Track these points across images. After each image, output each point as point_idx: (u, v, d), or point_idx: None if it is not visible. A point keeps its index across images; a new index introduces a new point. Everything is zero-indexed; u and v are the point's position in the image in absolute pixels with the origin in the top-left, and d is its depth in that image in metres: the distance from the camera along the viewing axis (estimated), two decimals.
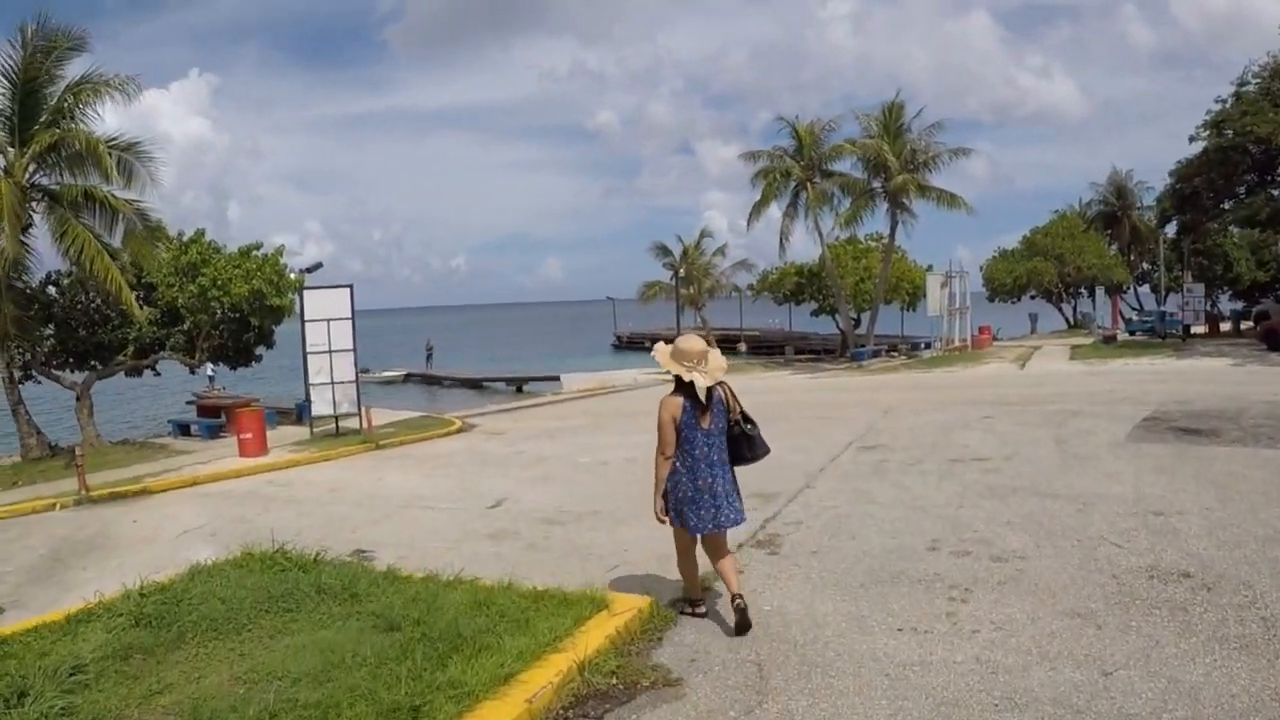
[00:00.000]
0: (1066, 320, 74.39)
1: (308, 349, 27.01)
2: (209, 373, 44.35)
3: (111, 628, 8.69)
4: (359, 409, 27.21)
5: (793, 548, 11.09)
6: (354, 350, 27.49)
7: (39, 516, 17.98)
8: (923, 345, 56.07)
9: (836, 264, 52.38)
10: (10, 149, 24.93)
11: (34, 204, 25.58)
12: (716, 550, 8.63)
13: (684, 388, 8.24)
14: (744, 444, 8.72)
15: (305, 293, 27.78)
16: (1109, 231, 72.26)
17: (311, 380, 27.07)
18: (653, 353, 8.89)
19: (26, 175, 25.01)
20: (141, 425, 43.30)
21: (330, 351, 27.08)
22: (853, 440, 19.41)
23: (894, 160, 46.78)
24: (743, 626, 8.20)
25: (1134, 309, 71.11)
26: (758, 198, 51.47)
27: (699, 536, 8.55)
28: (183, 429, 31.23)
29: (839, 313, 55.35)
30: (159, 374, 34.47)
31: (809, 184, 50.25)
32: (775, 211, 50.79)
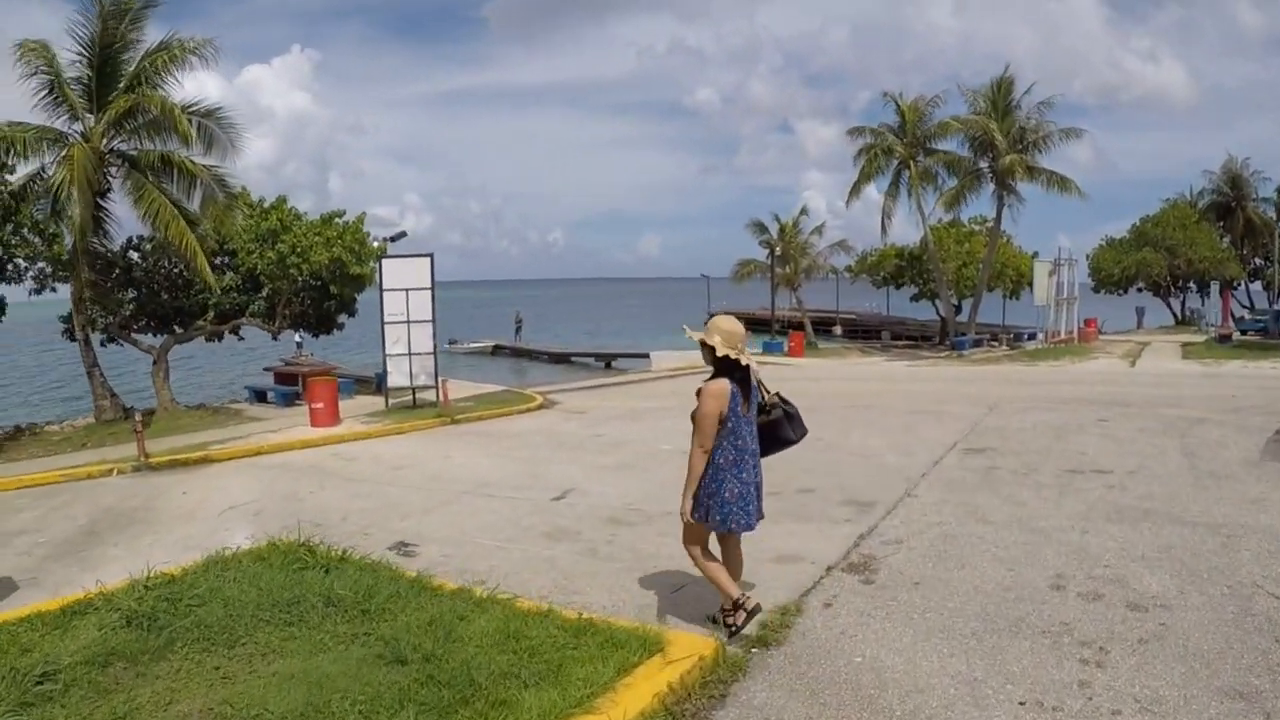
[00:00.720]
0: (1175, 315, 71.62)
1: (385, 318, 26.33)
2: (296, 339, 43.83)
3: (103, 625, 8.02)
4: (436, 382, 26.31)
5: (892, 576, 9.47)
6: (433, 321, 26.55)
7: (94, 482, 17.68)
8: (1026, 336, 53.72)
9: (938, 247, 50.57)
10: (89, 115, 24.76)
11: (112, 169, 25.53)
12: (733, 550, 8.28)
13: (729, 373, 7.63)
14: (784, 426, 8.30)
15: (384, 261, 27.01)
16: (1221, 223, 69.72)
17: (388, 351, 26.41)
18: (693, 335, 8.09)
19: (105, 141, 24.92)
20: (224, 390, 43.02)
21: (408, 322, 26.25)
22: (957, 440, 17.81)
23: (1001, 139, 44.87)
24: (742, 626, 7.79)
25: (1244, 307, 68.85)
26: (858, 176, 49.89)
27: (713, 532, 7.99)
28: (259, 395, 31.07)
29: (939, 298, 53.50)
30: (242, 339, 34.24)
31: (912, 162, 48.59)
32: (874, 193, 49.24)
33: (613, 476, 15.64)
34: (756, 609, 7.77)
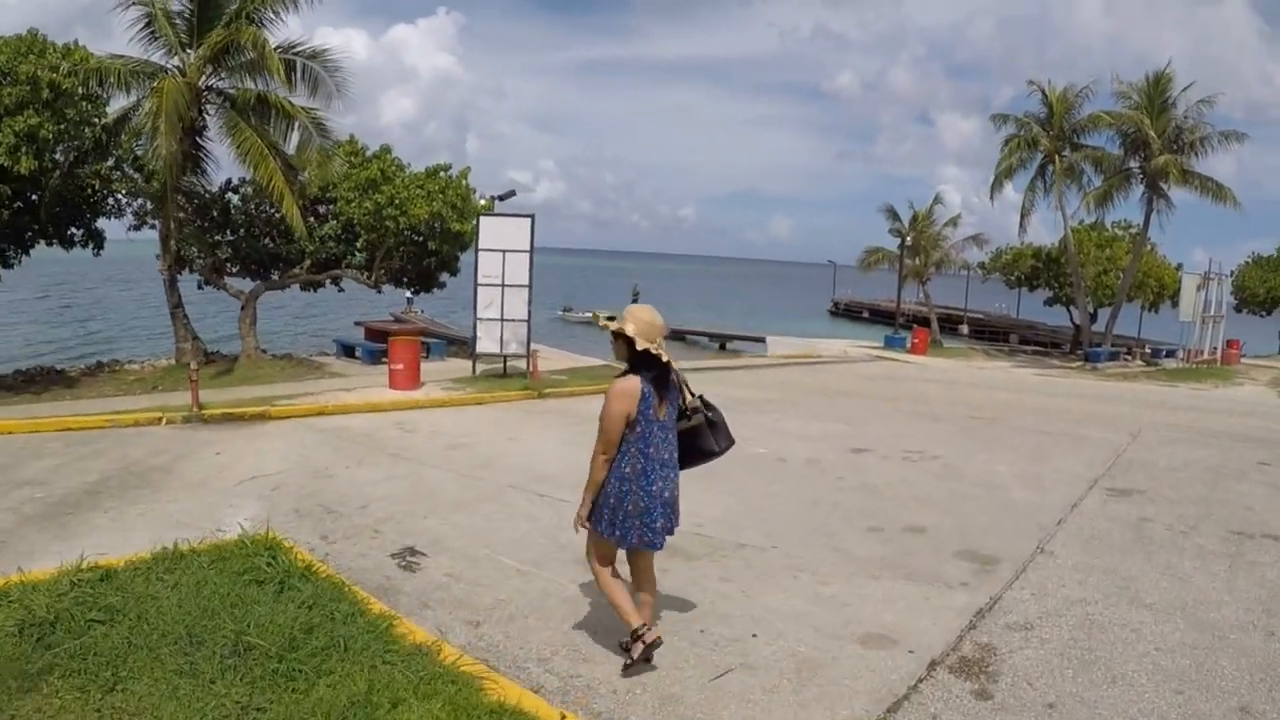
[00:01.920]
0: None
1: (479, 280, 24.78)
2: (407, 294, 42.82)
3: None
4: (527, 351, 24.86)
5: (1016, 685, 6.94)
6: (529, 286, 24.86)
7: (136, 431, 16.78)
8: (1164, 353, 50.53)
9: (1078, 250, 47.63)
10: (188, 50, 24.03)
11: (210, 107, 24.90)
12: (643, 571, 7.35)
13: (642, 370, 6.81)
14: (706, 435, 7.49)
15: (482, 219, 25.37)
16: None
17: (480, 314, 24.86)
18: (605, 322, 7.16)
19: (203, 78, 24.33)
20: (319, 339, 41.82)
21: (503, 285, 24.70)
22: (1098, 476, 15.29)
23: (1155, 137, 41.65)
24: (647, 658, 6.93)
25: None
26: (999, 168, 47.05)
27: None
28: (347, 350, 29.71)
29: (1075, 304, 50.38)
30: (342, 290, 32.88)
31: (1057, 156, 45.47)
32: (1011, 191, 46.40)
33: (689, 484, 13.26)
34: (656, 643, 6.87)
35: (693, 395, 7.40)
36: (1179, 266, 52.50)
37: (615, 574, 7.13)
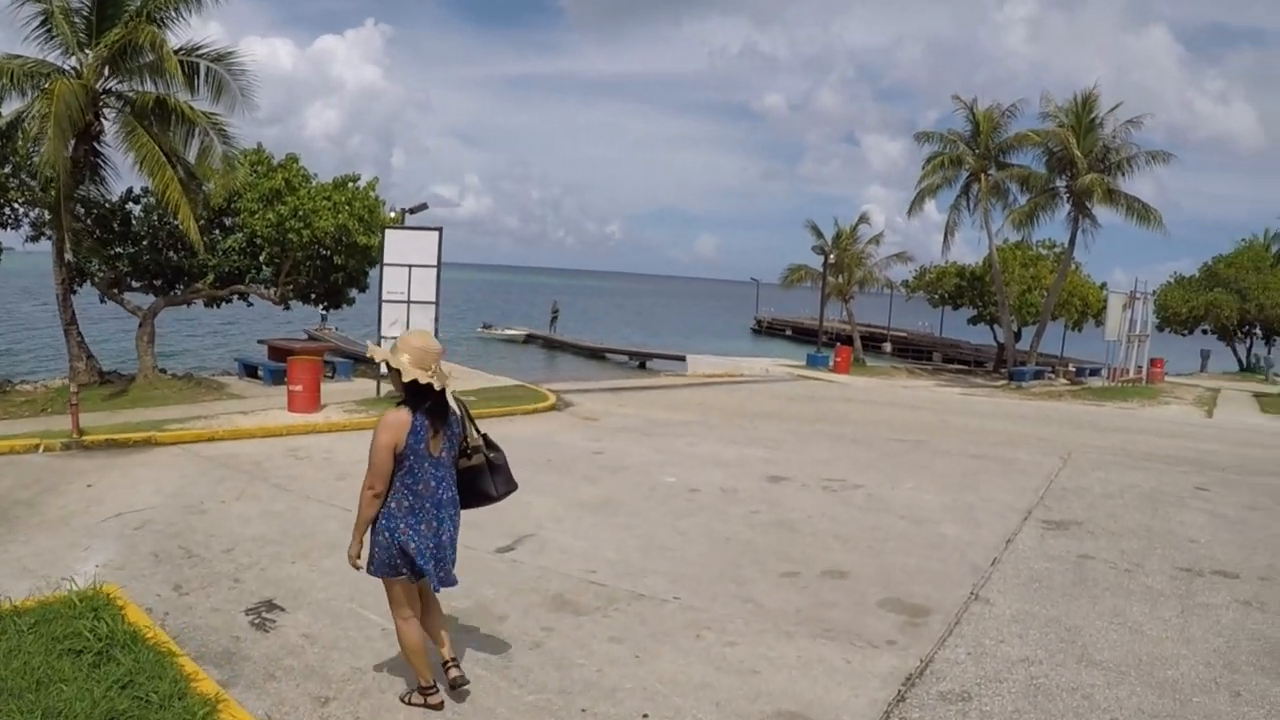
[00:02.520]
0: (1239, 362, 68.27)
1: (383, 296, 23.61)
2: (321, 311, 41.49)
3: None
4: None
5: None
6: (436, 304, 23.72)
7: (11, 459, 15.44)
8: (1088, 371, 50.54)
9: (1003, 268, 47.10)
10: (86, 50, 22.72)
11: (109, 111, 23.56)
12: (430, 609, 6.89)
13: (416, 401, 6.36)
14: (485, 477, 6.92)
15: (387, 232, 24.32)
16: None
17: (384, 332, 23.41)
18: (377, 354, 6.89)
19: (100, 79, 22.98)
20: (226, 359, 40.29)
21: (409, 302, 23.48)
22: (1032, 506, 14.46)
23: (1082, 156, 40.85)
24: (458, 685, 6.71)
25: None
26: (922, 186, 46.31)
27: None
28: (250, 370, 28.17)
29: (1000, 323, 49.79)
30: (251, 304, 31.59)
31: (983, 175, 44.87)
32: (932, 207, 45.71)
33: (590, 519, 12.47)
34: (438, 706, 6.56)
35: (478, 433, 6.93)
36: (1103, 285, 52.43)
37: (416, 625, 6.61)
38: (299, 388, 21.15)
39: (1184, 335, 64.34)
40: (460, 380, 27.36)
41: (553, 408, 24.31)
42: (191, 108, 23.17)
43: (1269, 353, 66.73)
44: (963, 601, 9.43)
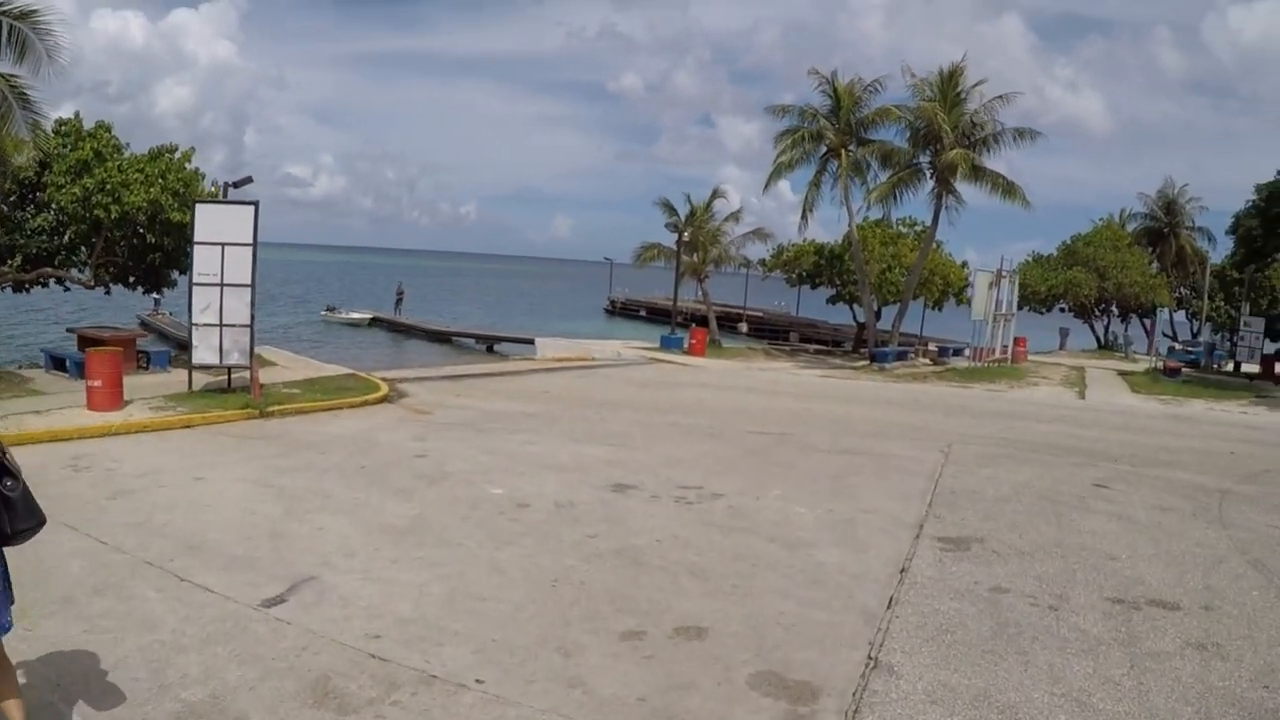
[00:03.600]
0: (1097, 339, 68.20)
1: (194, 279, 21.07)
2: (155, 296, 38.60)
3: None
4: (251, 362, 21.02)
5: None
6: (252, 286, 21.13)
7: None
8: (951, 351, 49.00)
9: (863, 246, 45.53)
10: None
11: None
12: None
13: None
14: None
15: (198, 206, 21.49)
16: (1152, 249, 66.64)
17: (195, 319, 21.06)
18: None
19: None
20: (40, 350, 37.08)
21: (222, 285, 20.96)
22: (921, 518, 12.48)
23: (949, 131, 39.58)
24: None
25: (1166, 335, 65.50)
26: (777, 161, 44.23)
27: None
28: (57, 362, 24.86)
29: (859, 302, 48.32)
30: (67, 289, 28.47)
31: (843, 151, 42.96)
32: (787, 188, 43.89)
33: (390, 552, 10.12)
34: None
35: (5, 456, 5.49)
36: (964, 264, 52.18)
37: None
38: (98, 383, 18.78)
39: (1042, 314, 64.13)
40: (288, 370, 25.20)
41: (384, 399, 22.25)
42: None
43: (1126, 330, 66.86)
44: (860, 672, 7.22)
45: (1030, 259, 65.77)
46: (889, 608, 8.85)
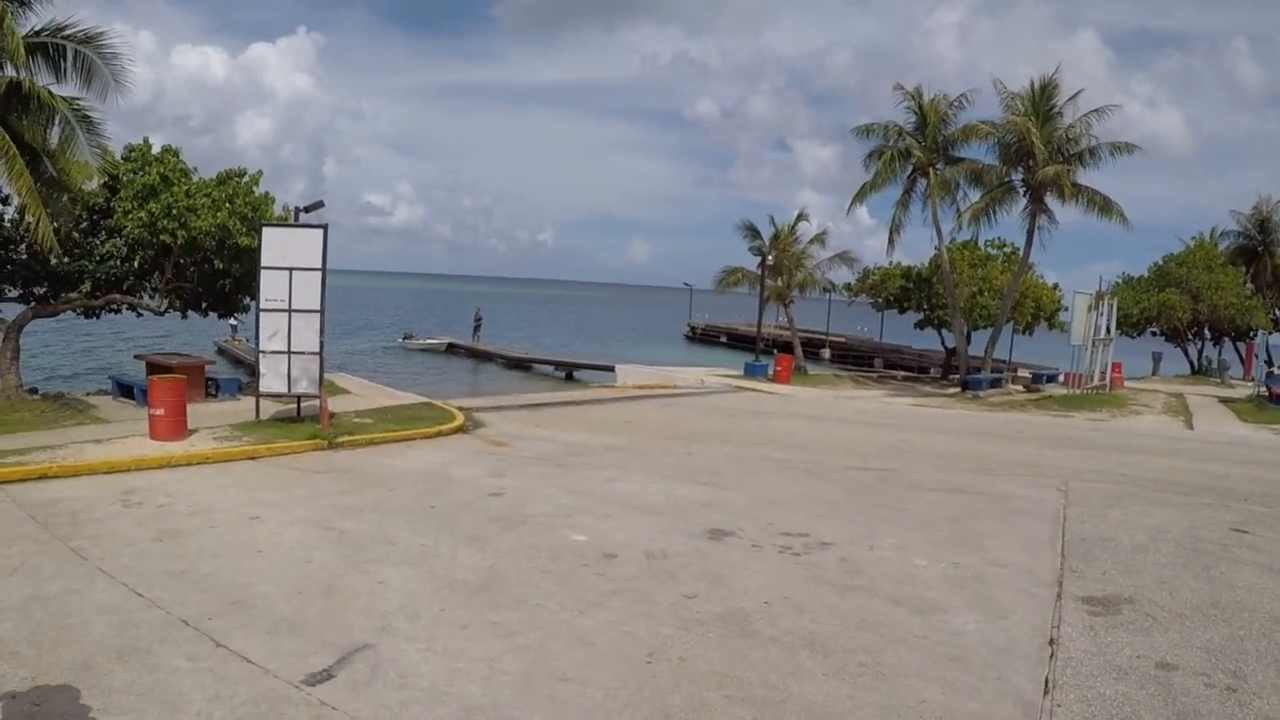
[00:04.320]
0: (1191, 364, 66.10)
1: (261, 304, 20.34)
2: (232, 321, 38.11)
3: None
4: (320, 391, 20.20)
5: None
6: (321, 312, 20.29)
7: None
8: (1044, 378, 47.78)
9: (951, 269, 44.06)
10: None
11: None
12: None
13: None
14: None
15: (264, 230, 20.71)
16: (1247, 269, 64.48)
17: (263, 346, 20.30)
18: None
19: None
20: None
21: (290, 310, 20.18)
22: (1058, 573, 11.06)
23: (1042, 147, 38.00)
24: None
25: (1263, 360, 63.41)
26: (868, 182, 43.04)
27: None
28: (124, 389, 24.20)
29: (949, 326, 46.91)
30: (140, 315, 27.28)
31: (930, 170, 41.81)
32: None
33: (459, 614, 8.92)
34: None
35: None
36: (1055, 286, 50.75)
37: None
38: (160, 411, 18.06)
39: (1133, 337, 62.20)
40: (360, 398, 24.60)
41: (460, 429, 21.26)
42: (50, 93, 20.35)
43: (1219, 354, 64.84)
44: None
45: (1120, 280, 63.78)
46: (1047, 693, 7.51)
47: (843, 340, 72.33)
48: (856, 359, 66.41)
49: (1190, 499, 16.24)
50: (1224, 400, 41.05)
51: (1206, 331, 63.85)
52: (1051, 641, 8.66)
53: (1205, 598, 10.24)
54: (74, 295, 24.58)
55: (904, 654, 8.22)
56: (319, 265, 20.11)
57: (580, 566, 10.47)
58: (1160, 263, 63.15)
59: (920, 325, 51.30)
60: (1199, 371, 63.95)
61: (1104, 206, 38.82)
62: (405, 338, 65.01)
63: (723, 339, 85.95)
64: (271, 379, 20.33)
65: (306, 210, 24.10)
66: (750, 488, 15.83)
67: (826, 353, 65.29)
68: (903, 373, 56.89)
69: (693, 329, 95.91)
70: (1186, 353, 65.84)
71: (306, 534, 11.75)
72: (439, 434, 20.59)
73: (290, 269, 19.99)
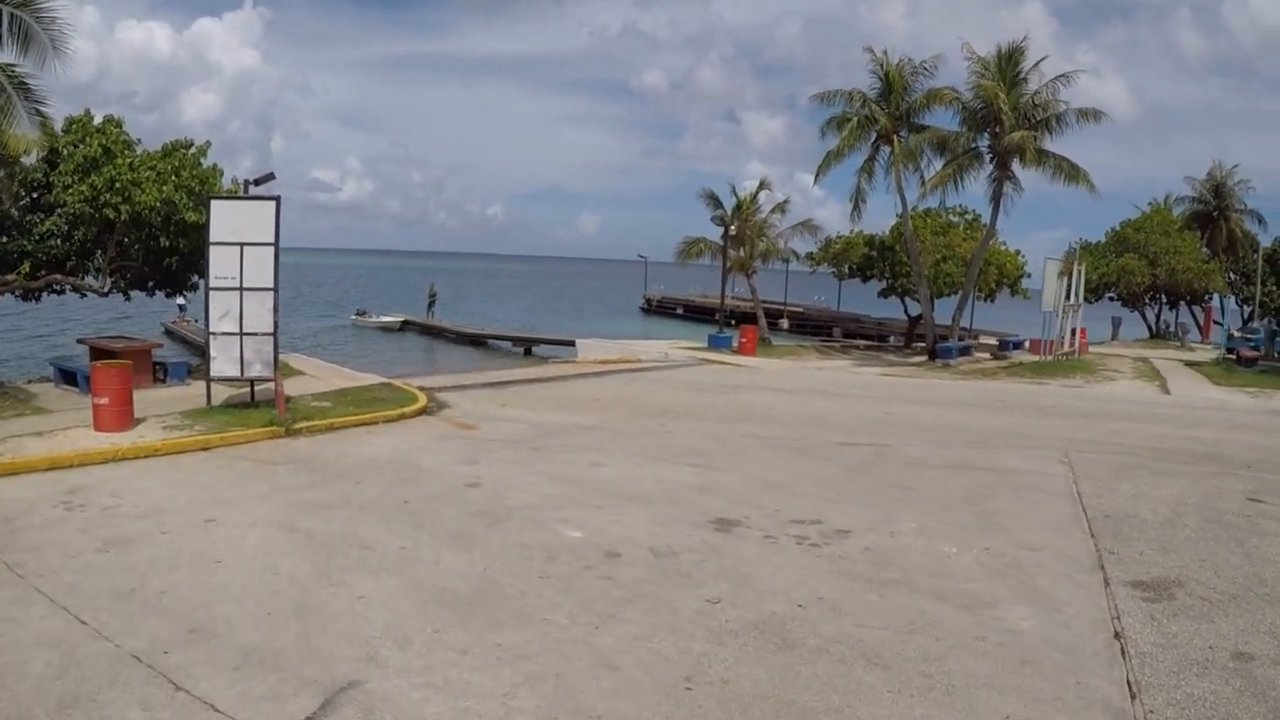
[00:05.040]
0: (1149, 328, 65.91)
1: (211, 282, 19.05)
2: (179, 301, 36.57)
3: None
4: (275, 374, 18.85)
5: None
6: (274, 290, 19.04)
7: None
8: (1011, 345, 47.02)
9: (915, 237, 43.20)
10: None
11: None
12: None
13: None
14: None
15: (212, 203, 19.41)
16: (1202, 234, 64.24)
17: (214, 326, 18.97)
18: None
19: None
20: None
21: (241, 289, 18.91)
22: (1095, 556, 10.28)
23: (1010, 112, 37.19)
24: None
25: (1216, 323, 63.28)
26: (832, 150, 41.55)
27: None
28: (66, 376, 22.65)
29: (914, 295, 46.12)
30: (84, 296, 25.91)
31: (894, 137, 40.64)
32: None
33: (456, 634, 7.85)
34: None
35: None
36: (1017, 252, 50.50)
37: None
38: (105, 400, 16.81)
39: (1092, 303, 61.75)
40: (317, 380, 23.45)
41: (423, 411, 20.31)
42: None
43: (1177, 319, 64.78)
44: None
45: (1076, 246, 63.44)
46: (1134, 697, 6.70)
47: (800, 310, 71.75)
48: (815, 328, 65.67)
49: (1193, 468, 15.84)
50: (1189, 364, 40.51)
51: (1163, 296, 63.65)
52: (1117, 635, 7.90)
53: (1250, 575, 9.66)
54: (11, 277, 22.93)
55: (968, 660, 7.34)
56: (272, 240, 18.90)
57: (583, 569, 9.49)
58: (1118, 229, 62.75)
59: (884, 294, 50.52)
60: (1157, 335, 63.67)
61: (1070, 173, 38.03)
62: (358, 314, 63.64)
63: (679, 311, 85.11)
64: (223, 362, 19.07)
65: (256, 183, 22.82)
66: (743, 468, 14.99)
67: (785, 323, 64.59)
68: (864, 342, 56.17)
69: (649, 301, 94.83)
70: (1145, 317, 65.59)
71: (270, 538, 10.74)
72: (402, 417, 19.64)
73: (241, 244, 18.78)
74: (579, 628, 7.95)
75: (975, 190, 41.05)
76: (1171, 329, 63.98)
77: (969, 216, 48.20)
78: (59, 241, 23.08)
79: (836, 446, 17.13)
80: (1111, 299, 62.70)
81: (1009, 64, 38.15)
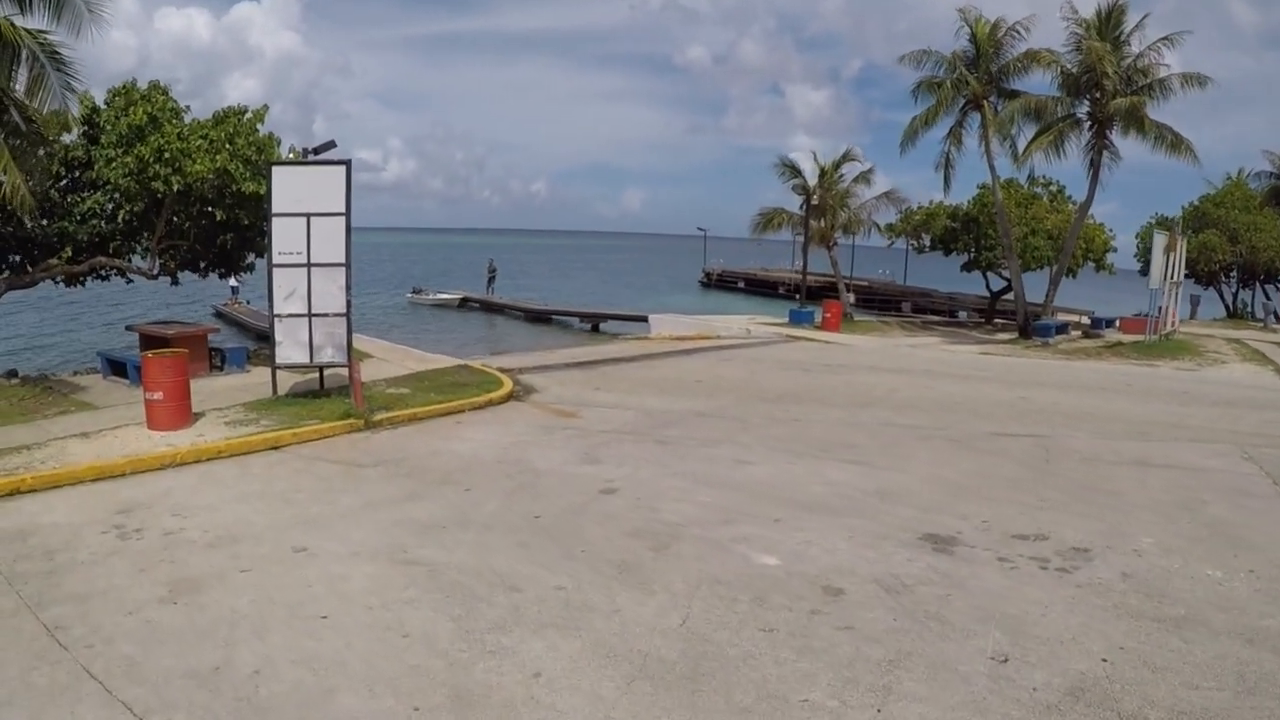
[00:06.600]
0: (1227, 307, 63.54)
1: (274, 259, 17.11)
2: (232, 282, 34.69)
3: None
4: (349, 359, 17.05)
5: None
6: (347, 265, 17.14)
7: None
8: (1103, 323, 44.43)
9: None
10: None
11: None
12: None
13: None
14: None
15: (274, 170, 17.58)
16: None
17: (278, 309, 17.10)
18: None
19: None
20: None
21: (309, 265, 16.99)
22: None
23: (1113, 74, 34.76)
24: None
25: None
26: (919, 116, 39.63)
27: None
28: (115, 366, 20.53)
29: (1004, 269, 44.45)
30: (130, 281, 24.03)
31: (985, 103, 38.63)
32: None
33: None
34: None
35: None
36: (1103, 225, 48.64)
37: None
38: (158, 395, 14.91)
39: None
40: (386, 363, 21.70)
41: (510, 396, 18.61)
42: (12, 24, 17.19)
43: (1264, 298, 62.43)
44: None
45: (1152, 222, 61.20)
46: None
47: (866, 284, 69.36)
48: (884, 303, 63.30)
49: None
50: None
51: (1239, 274, 61.41)
52: None
53: None
54: (54, 262, 21.34)
55: None
56: (343, 209, 17.05)
57: (808, 614, 7.61)
58: (1197, 204, 60.46)
59: (966, 267, 48.47)
60: (1234, 315, 61.37)
61: (1174, 143, 35.63)
62: (414, 291, 62.26)
63: (740, 285, 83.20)
64: (290, 347, 17.26)
65: (316, 152, 20.84)
66: (908, 467, 13.27)
67: (852, 297, 62.78)
68: (934, 317, 54.99)
69: (707, 275, 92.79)
70: (1222, 296, 63.30)
71: (382, 575, 8.80)
72: (489, 403, 17.95)
73: (308, 215, 16.98)
74: (856, 712, 6.15)
75: (1064, 161, 38.70)
76: (1249, 308, 61.74)
77: (1052, 188, 46.62)
78: (103, 221, 21.32)
79: (991, 437, 15.48)
80: (1187, 276, 60.68)
81: (1109, 25, 35.78)
